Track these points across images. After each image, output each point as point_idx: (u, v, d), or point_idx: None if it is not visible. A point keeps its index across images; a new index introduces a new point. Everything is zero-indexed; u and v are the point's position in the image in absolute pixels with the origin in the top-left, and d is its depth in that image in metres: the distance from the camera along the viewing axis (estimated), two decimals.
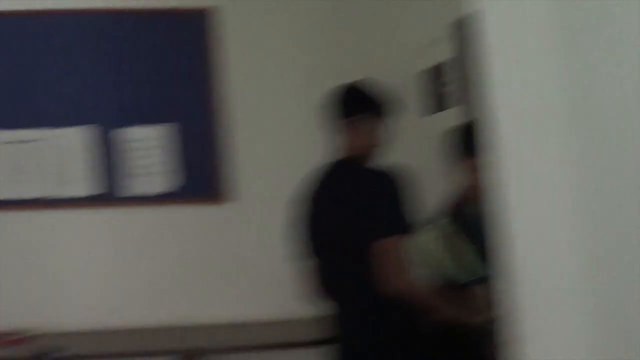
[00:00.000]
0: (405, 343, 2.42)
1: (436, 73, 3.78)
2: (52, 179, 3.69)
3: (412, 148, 3.97)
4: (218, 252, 3.83)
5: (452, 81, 3.63)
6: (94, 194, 3.72)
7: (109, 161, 3.74)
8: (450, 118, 3.66)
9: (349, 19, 4.05)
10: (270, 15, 3.97)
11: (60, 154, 3.69)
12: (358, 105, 2.66)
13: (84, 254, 3.74)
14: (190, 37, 3.83)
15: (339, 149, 2.69)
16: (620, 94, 1.34)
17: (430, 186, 3.76)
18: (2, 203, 3.66)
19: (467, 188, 2.53)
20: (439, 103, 3.79)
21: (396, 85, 3.99)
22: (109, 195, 3.74)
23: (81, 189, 3.71)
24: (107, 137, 3.74)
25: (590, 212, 1.46)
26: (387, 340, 2.45)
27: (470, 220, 2.45)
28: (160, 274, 3.78)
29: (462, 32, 3.45)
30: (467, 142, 2.46)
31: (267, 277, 3.81)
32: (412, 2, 3.95)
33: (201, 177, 3.80)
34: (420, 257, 2.47)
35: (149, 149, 3.75)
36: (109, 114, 3.75)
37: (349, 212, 2.47)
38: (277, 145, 3.92)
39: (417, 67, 3.95)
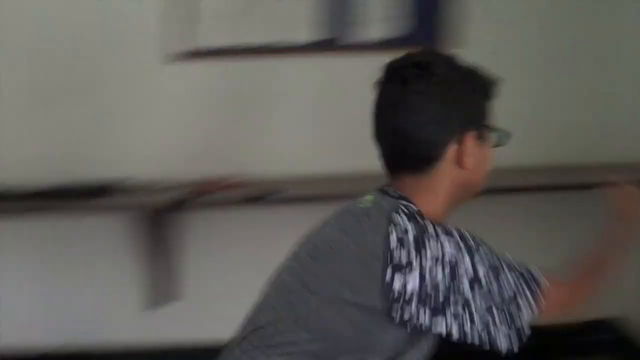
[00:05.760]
0: None
1: None
2: (275, 25, 3.54)
3: None
4: None
5: None
6: (316, 40, 3.54)
7: (334, 7, 3.51)
8: None
9: None
10: None
11: None
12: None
13: (300, 101, 3.67)
14: None
15: None
16: None
17: None
18: (221, 51, 3.52)
19: None
20: None
21: None
22: (331, 42, 3.55)
23: (304, 36, 3.54)
24: None
25: None
26: None
27: None
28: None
29: None
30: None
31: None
32: None
33: (427, 23, 3.54)
34: None
35: None
36: None
37: None
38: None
39: None
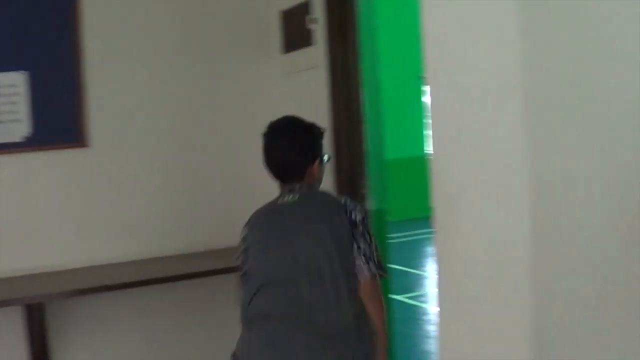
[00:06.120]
0: None
1: (302, 10, 3.65)
2: None
3: (274, 84, 3.96)
4: (75, 196, 3.64)
5: (318, 19, 3.52)
6: None
7: None
8: (314, 55, 3.58)
9: None
10: None
11: None
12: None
13: None
14: None
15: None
16: None
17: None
18: None
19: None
20: (303, 40, 3.66)
21: (258, 21, 3.96)
22: None
23: None
24: None
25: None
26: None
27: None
28: (15, 221, 3.52)
29: None
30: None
31: (121, 221, 3.71)
32: None
33: (58, 124, 3.58)
34: None
35: (5, 96, 3.48)
36: None
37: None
38: (132, 91, 3.74)
39: (283, 4, 3.83)
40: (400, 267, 7.11)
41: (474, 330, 1.52)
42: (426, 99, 11.11)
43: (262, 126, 3.90)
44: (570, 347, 1.41)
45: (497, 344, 1.47)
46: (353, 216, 2.36)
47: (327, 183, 3.52)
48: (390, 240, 3.49)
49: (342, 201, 2.42)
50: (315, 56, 3.55)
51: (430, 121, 1.56)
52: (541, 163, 1.38)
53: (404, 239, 8.81)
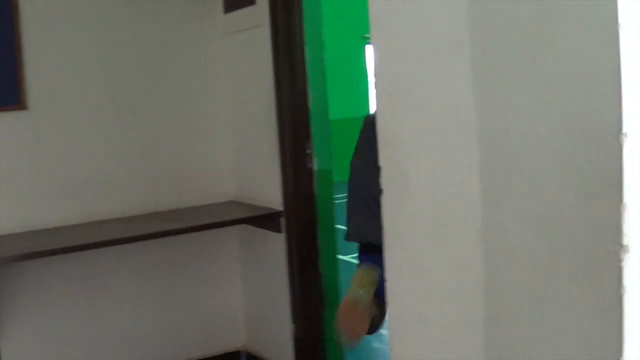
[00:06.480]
0: None
1: None
2: None
3: (216, 44, 3.91)
4: (14, 160, 3.54)
5: None
6: None
7: None
8: (256, 14, 3.52)
9: None
10: None
11: None
12: None
13: None
14: None
15: None
16: None
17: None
18: None
19: None
20: None
21: None
22: None
23: None
24: None
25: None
26: None
27: None
28: None
29: None
30: None
31: (63, 184, 3.64)
32: None
33: None
34: None
35: None
36: None
37: None
38: (70, 52, 3.63)
39: None
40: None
41: (423, 291, 1.52)
42: (370, 59, 11.17)
43: (204, 87, 3.93)
44: (523, 303, 1.42)
45: (448, 303, 1.47)
46: None
47: (272, 144, 3.52)
48: (335, 201, 3.49)
49: None
50: (258, 15, 3.49)
51: (374, 81, 1.53)
52: (490, 121, 1.36)
53: None
